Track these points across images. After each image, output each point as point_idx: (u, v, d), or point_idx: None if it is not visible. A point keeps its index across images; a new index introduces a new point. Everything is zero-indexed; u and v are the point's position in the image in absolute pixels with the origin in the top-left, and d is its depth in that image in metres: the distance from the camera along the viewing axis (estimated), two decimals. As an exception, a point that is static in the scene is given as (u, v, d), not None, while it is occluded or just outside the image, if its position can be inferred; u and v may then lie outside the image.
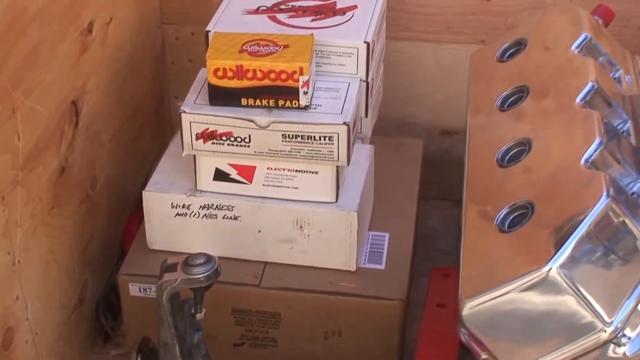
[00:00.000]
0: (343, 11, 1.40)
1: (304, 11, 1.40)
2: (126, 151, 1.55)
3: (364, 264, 1.36)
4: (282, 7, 1.42)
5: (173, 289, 1.16)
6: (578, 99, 0.98)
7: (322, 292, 1.32)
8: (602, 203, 0.85)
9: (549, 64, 1.07)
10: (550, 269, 0.84)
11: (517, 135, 1.00)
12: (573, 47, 1.06)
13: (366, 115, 1.40)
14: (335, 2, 1.42)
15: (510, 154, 0.99)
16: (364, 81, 1.35)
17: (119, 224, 1.54)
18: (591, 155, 0.91)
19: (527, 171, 0.95)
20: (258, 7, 1.41)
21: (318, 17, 1.39)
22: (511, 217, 0.92)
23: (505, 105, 1.07)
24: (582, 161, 0.91)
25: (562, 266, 0.84)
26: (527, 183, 0.94)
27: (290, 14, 1.40)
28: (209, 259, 1.17)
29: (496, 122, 1.05)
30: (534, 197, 0.91)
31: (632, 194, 0.91)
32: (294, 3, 1.43)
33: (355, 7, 1.41)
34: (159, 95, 1.70)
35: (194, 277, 1.15)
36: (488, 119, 1.06)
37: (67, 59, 1.30)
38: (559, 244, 0.84)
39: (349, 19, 1.38)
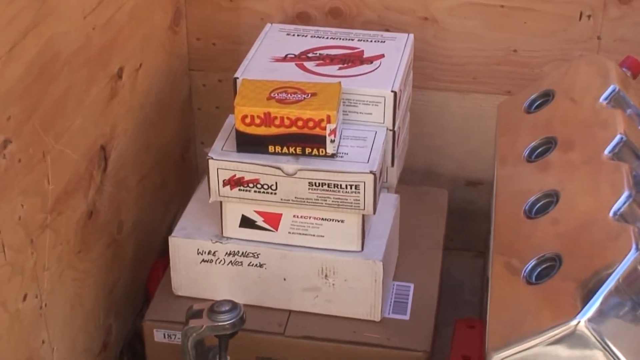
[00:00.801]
0: (370, 60, 1.41)
1: (332, 59, 1.41)
2: (152, 196, 1.56)
3: (389, 314, 1.36)
4: (310, 55, 1.43)
5: (198, 336, 1.16)
6: (606, 151, 0.98)
7: (346, 342, 1.32)
8: (631, 257, 0.85)
9: (576, 115, 1.08)
10: (579, 322, 0.83)
11: (544, 187, 1.00)
12: (601, 99, 1.06)
13: (392, 165, 1.40)
14: (362, 51, 1.43)
15: (538, 205, 0.99)
16: (390, 130, 1.36)
17: (144, 269, 1.54)
18: (620, 208, 0.90)
19: (554, 223, 0.95)
20: (286, 55, 1.42)
21: (345, 65, 1.40)
22: (539, 269, 0.91)
23: (533, 157, 1.07)
24: (611, 214, 0.90)
25: (590, 320, 0.84)
26: (554, 235, 0.94)
27: (318, 62, 1.41)
28: (234, 306, 1.17)
29: (523, 173, 1.05)
30: (561, 249, 0.91)
31: (660, 248, 0.90)
32: (321, 51, 1.43)
33: (382, 56, 1.42)
34: (186, 141, 1.71)
35: (220, 324, 1.16)
36: (515, 169, 1.06)
37: (97, 104, 1.32)
38: (587, 298, 0.84)
39: (376, 68, 1.39)
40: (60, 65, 1.20)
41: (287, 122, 1.26)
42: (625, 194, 0.92)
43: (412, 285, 1.41)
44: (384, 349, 1.31)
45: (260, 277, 1.34)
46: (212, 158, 1.28)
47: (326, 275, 1.32)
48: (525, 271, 0.91)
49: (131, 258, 1.49)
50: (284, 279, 1.34)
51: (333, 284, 1.32)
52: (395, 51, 1.43)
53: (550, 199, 0.98)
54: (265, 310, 1.36)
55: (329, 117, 1.25)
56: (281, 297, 1.35)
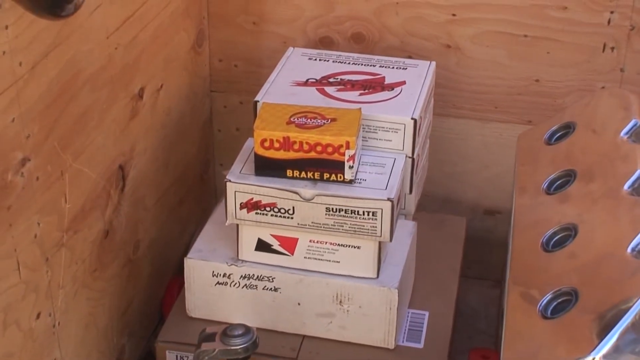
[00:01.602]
0: (391, 87, 1.41)
1: (353, 85, 1.41)
2: (169, 216, 1.56)
3: (403, 342, 1.35)
4: (331, 80, 1.42)
5: (211, 359, 1.16)
6: (626, 186, 0.98)
7: (359, 368, 1.31)
8: (649, 294, 0.84)
9: (597, 149, 1.07)
10: (594, 359, 0.83)
11: (562, 220, 0.99)
12: (622, 133, 1.06)
13: (410, 192, 1.39)
14: (383, 77, 1.43)
15: (556, 238, 0.98)
16: (409, 157, 1.35)
17: (159, 289, 1.54)
18: (638, 244, 0.90)
19: (572, 257, 0.94)
20: (307, 80, 1.42)
21: (366, 91, 1.40)
22: (555, 303, 0.91)
23: (552, 189, 1.06)
24: (629, 250, 0.90)
25: (605, 357, 0.83)
26: (571, 269, 0.93)
27: (339, 87, 1.41)
28: (247, 330, 1.17)
29: (542, 205, 1.04)
30: (578, 284, 0.90)
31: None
32: (342, 77, 1.43)
33: (403, 82, 1.42)
34: (205, 162, 1.71)
35: (232, 348, 1.15)
36: (534, 201, 1.06)
37: (117, 123, 1.32)
38: (602, 334, 0.83)
39: (397, 95, 1.39)
40: (81, 84, 1.20)
41: (306, 147, 1.26)
42: (644, 231, 0.91)
43: (427, 314, 1.41)
44: (397, 378, 1.31)
45: (274, 301, 1.34)
46: (230, 181, 1.28)
47: (341, 302, 1.32)
48: (541, 305, 0.91)
49: (147, 277, 1.49)
50: (299, 304, 1.33)
51: (348, 310, 1.32)
52: (416, 78, 1.43)
53: (569, 233, 0.98)
54: (278, 334, 1.35)
55: (348, 143, 1.25)
56: (295, 321, 1.34)
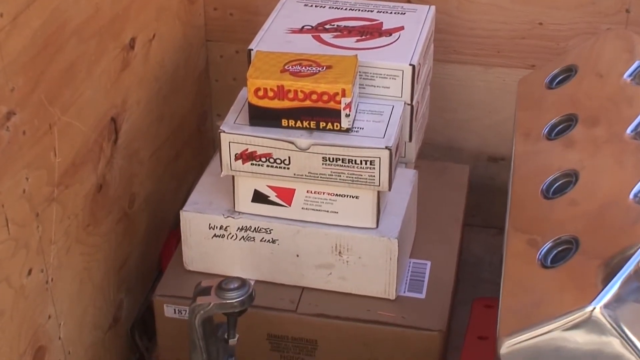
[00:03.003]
0: (389, 32, 1.37)
1: (349, 31, 1.37)
2: (166, 169, 1.53)
3: (404, 292, 1.32)
4: (327, 26, 1.39)
5: (206, 313, 1.13)
6: (629, 130, 0.94)
7: (359, 320, 1.29)
8: (651, 241, 0.81)
9: (599, 92, 1.03)
10: (594, 309, 0.80)
11: (563, 166, 0.96)
12: (625, 76, 1.02)
13: (410, 140, 1.36)
14: (381, 23, 1.39)
15: (556, 185, 0.95)
16: (408, 104, 1.32)
17: (157, 243, 1.52)
18: (640, 190, 0.87)
19: (572, 204, 0.91)
20: (302, 27, 1.39)
21: (363, 37, 1.36)
22: (555, 252, 0.88)
23: (553, 134, 1.03)
24: (632, 196, 0.86)
25: (606, 306, 0.80)
26: (572, 217, 0.90)
27: (335, 34, 1.37)
28: (243, 283, 1.14)
29: (543, 151, 1.01)
30: (579, 232, 0.87)
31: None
32: (339, 23, 1.40)
33: (402, 28, 1.38)
34: (202, 113, 1.68)
35: (228, 301, 1.13)
36: (534, 147, 1.02)
37: (107, 75, 1.29)
38: (603, 283, 0.80)
39: (395, 41, 1.35)
40: (67, 35, 1.17)
41: (300, 95, 1.22)
42: (646, 175, 0.88)
43: (429, 263, 1.38)
44: (399, 328, 1.28)
45: (272, 253, 1.31)
46: (224, 131, 1.25)
47: (340, 252, 1.29)
48: (540, 254, 0.88)
49: (143, 232, 1.46)
50: (297, 255, 1.31)
51: (347, 261, 1.29)
52: (415, 24, 1.39)
53: (569, 179, 0.94)
54: (277, 286, 1.33)
55: (344, 90, 1.21)
56: (294, 273, 1.32)
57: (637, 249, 0.81)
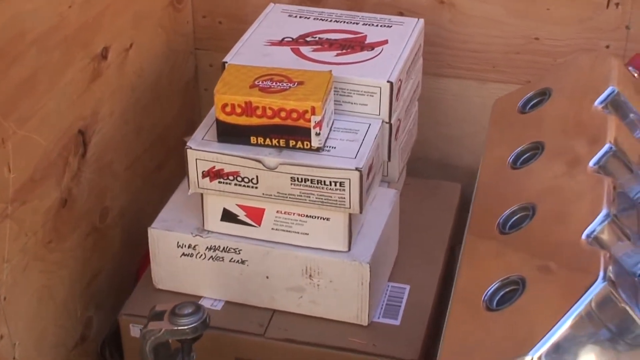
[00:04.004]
0: (372, 46, 1.31)
1: (331, 45, 1.32)
2: (145, 181, 1.48)
3: (378, 318, 1.27)
4: (308, 39, 1.33)
5: (157, 339, 1.09)
6: (592, 163, 0.88)
7: (329, 346, 1.23)
8: (597, 287, 0.75)
9: (569, 119, 0.97)
10: (532, 359, 0.74)
11: (522, 199, 0.90)
12: (597, 102, 0.96)
13: (389, 159, 1.30)
14: (365, 36, 1.34)
15: (513, 219, 0.89)
16: (387, 123, 1.26)
17: (133, 257, 1.47)
18: (594, 230, 0.80)
19: (526, 241, 0.85)
20: (283, 38, 1.33)
21: (344, 51, 1.30)
22: (502, 293, 0.82)
23: (518, 163, 0.96)
24: (584, 235, 0.80)
25: (546, 355, 0.74)
26: (523, 256, 0.84)
27: (315, 47, 1.32)
28: (197, 309, 1.09)
29: (505, 181, 0.95)
30: (527, 273, 0.81)
31: (639, 275, 0.80)
32: (321, 35, 1.34)
33: (385, 42, 1.32)
34: (189, 123, 1.63)
35: (180, 328, 1.08)
36: (498, 176, 0.96)
37: (73, 86, 1.24)
38: (544, 331, 0.74)
39: (376, 55, 1.30)
40: (25, 45, 1.12)
41: (269, 112, 1.17)
42: (603, 213, 0.81)
43: (407, 288, 1.32)
44: (369, 356, 1.22)
45: (242, 274, 1.26)
46: (190, 148, 1.21)
47: (310, 275, 1.24)
48: (486, 295, 0.82)
49: (117, 246, 1.42)
50: (267, 277, 1.25)
51: (318, 285, 1.24)
52: (400, 37, 1.34)
53: (526, 213, 0.88)
54: (247, 308, 1.28)
55: (313, 108, 1.16)
56: (264, 295, 1.27)
57: (581, 297, 0.75)
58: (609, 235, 0.81)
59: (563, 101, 1.00)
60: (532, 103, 1.05)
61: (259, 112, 1.17)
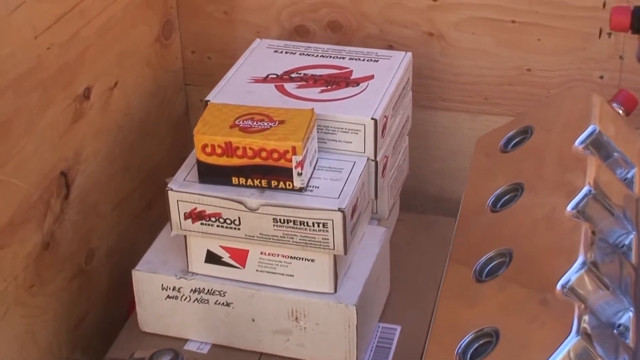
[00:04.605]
0: (357, 82, 1.29)
1: (315, 81, 1.30)
2: (133, 221, 1.46)
3: (368, 360, 1.24)
4: (293, 75, 1.31)
5: (134, 389, 1.07)
6: (570, 207, 0.85)
7: (316, 391, 1.21)
8: (570, 341, 0.72)
9: (549, 160, 0.94)
10: None
11: (499, 244, 0.87)
12: (577, 142, 0.93)
13: (375, 197, 1.28)
14: (351, 72, 1.32)
15: (490, 266, 0.86)
16: (372, 160, 1.24)
17: (122, 299, 1.45)
18: (569, 280, 0.77)
19: (501, 290, 0.82)
20: (267, 75, 1.31)
21: (329, 88, 1.28)
22: (475, 346, 0.79)
23: (498, 205, 0.94)
24: (559, 286, 0.77)
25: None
26: (497, 307, 0.81)
27: (300, 83, 1.29)
28: (175, 356, 1.07)
29: (482, 225, 0.92)
30: (501, 324, 0.78)
31: (619, 326, 0.77)
32: (307, 71, 1.32)
33: (371, 77, 1.30)
34: (180, 160, 1.59)
35: (157, 376, 1.06)
36: (476, 219, 0.94)
37: (54, 128, 1.22)
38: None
39: (362, 91, 1.27)
40: (0, 89, 1.11)
41: (250, 152, 1.15)
42: (579, 261, 0.78)
43: (398, 328, 1.29)
44: (358, 401, 1.20)
45: (227, 317, 1.24)
46: (171, 189, 1.18)
47: (297, 318, 1.21)
48: (459, 348, 0.79)
49: (105, 288, 1.40)
50: (253, 320, 1.23)
51: (305, 328, 1.21)
52: (386, 72, 1.31)
53: (503, 259, 0.86)
54: (234, 351, 1.25)
55: (294, 148, 1.14)
56: (251, 338, 1.24)
57: (554, 352, 0.72)
58: (586, 285, 0.78)
59: (544, 140, 0.98)
60: (514, 142, 1.02)
61: (239, 152, 1.15)
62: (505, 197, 0.94)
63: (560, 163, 0.93)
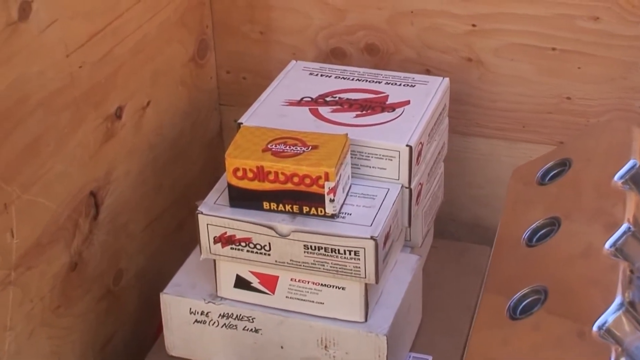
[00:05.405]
0: (393, 107, 1.27)
1: (350, 105, 1.28)
2: (165, 241, 1.44)
3: (397, 390, 1.22)
4: (328, 99, 1.29)
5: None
6: (608, 244, 0.83)
7: (344, 421, 1.18)
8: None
9: (587, 194, 0.92)
10: None
11: (534, 281, 0.84)
12: (616, 177, 0.90)
13: (409, 225, 1.25)
14: (387, 96, 1.29)
15: (524, 303, 0.84)
16: (406, 187, 1.21)
17: (151, 320, 1.43)
18: (606, 321, 0.75)
19: (535, 329, 0.80)
20: (302, 98, 1.30)
21: (364, 112, 1.26)
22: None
23: (534, 240, 0.91)
24: (595, 327, 0.75)
25: None
26: (531, 346, 0.79)
27: (335, 107, 1.27)
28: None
29: (517, 260, 0.90)
30: (535, 362, 0.76)
31: (656, 369, 0.74)
32: (342, 95, 1.30)
33: (407, 102, 1.28)
34: (214, 179, 1.58)
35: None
36: (511, 253, 0.91)
37: (85, 147, 1.21)
38: None
39: (397, 117, 1.25)
40: (30, 108, 1.09)
41: (281, 177, 1.13)
42: (616, 302, 0.76)
43: (430, 359, 1.27)
44: None
45: (256, 343, 1.22)
46: (201, 213, 1.17)
47: (326, 346, 1.19)
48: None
49: (134, 309, 1.38)
50: (282, 347, 1.21)
51: (334, 356, 1.19)
52: (422, 97, 1.29)
53: (538, 297, 0.83)
54: (262, 378, 1.24)
55: (327, 174, 1.12)
56: (279, 365, 1.22)
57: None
58: (623, 326, 0.75)
59: (582, 174, 0.95)
60: (551, 174, 1.00)
61: (271, 177, 1.13)
62: (541, 231, 0.92)
63: (599, 198, 0.90)
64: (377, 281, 1.14)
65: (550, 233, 0.90)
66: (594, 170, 0.95)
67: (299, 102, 1.29)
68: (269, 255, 1.16)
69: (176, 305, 1.23)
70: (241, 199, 1.16)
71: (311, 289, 1.18)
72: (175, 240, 1.48)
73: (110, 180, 1.28)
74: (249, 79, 1.55)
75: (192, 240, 1.48)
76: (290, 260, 1.15)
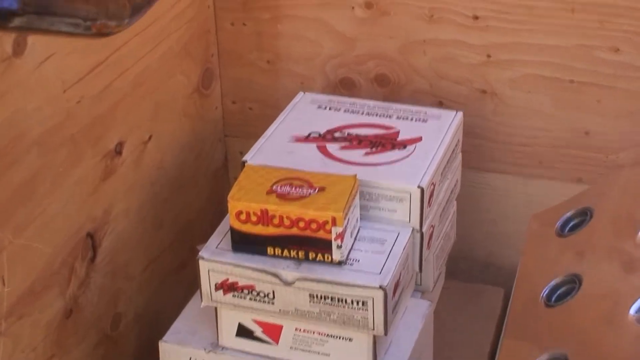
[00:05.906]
0: (404, 144, 1.21)
1: (360, 142, 1.22)
2: (165, 282, 1.39)
3: None
4: (337, 134, 1.24)
5: None
6: (633, 310, 0.77)
7: None
8: None
9: (610, 250, 0.86)
10: None
11: (554, 345, 0.79)
12: (640, 233, 0.84)
13: (420, 270, 1.19)
14: (397, 132, 1.24)
15: (545, 369, 0.78)
16: (417, 231, 1.15)
17: (153, 361, 1.38)
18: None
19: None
20: (309, 134, 1.24)
21: (373, 150, 1.20)
22: None
23: (553, 299, 0.85)
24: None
25: None
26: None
27: (343, 144, 1.22)
28: None
29: (536, 321, 0.84)
30: None
31: None
32: (351, 130, 1.24)
33: (419, 139, 1.22)
34: (219, 214, 1.52)
35: None
36: (529, 313, 0.85)
37: (81, 186, 1.16)
38: None
39: (408, 155, 1.19)
40: (25, 147, 1.04)
41: (287, 222, 1.08)
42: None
43: (441, 409, 1.21)
44: None
45: (259, 395, 1.16)
46: (202, 258, 1.11)
47: (332, 399, 1.13)
48: None
49: (132, 353, 1.32)
50: (286, 400, 1.15)
51: (341, 410, 1.13)
52: (435, 133, 1.23)
53: (559, 363, 0.77)
54: None
55: (334, 219, 1.06)
56: (284, 418, 1.16)
57: None
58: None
59: (604, 227, 0.89)
60: (571, 224, 0.94)
61: (275, 221, 1.08)
62: (561, 290, 0.86)
63: (621, 255, 0.84)
64: (385, 333, 1.08)
65: (570, 291, 0.85)
66: (616, 223, 0.89)
67: (307, 138, 1.23)
68: (272, 303, 1.10)
69: (176, 354, 1.18)
70: (244, 243, 1.10)
71: (317, 339, 1.12)
72: (177, 280, 1.42)
73: (108, 220, 1.22)
74: (255, 109, 1.50)
75: (194, 279, 1.42)
76: (295, 309, 1.09)
